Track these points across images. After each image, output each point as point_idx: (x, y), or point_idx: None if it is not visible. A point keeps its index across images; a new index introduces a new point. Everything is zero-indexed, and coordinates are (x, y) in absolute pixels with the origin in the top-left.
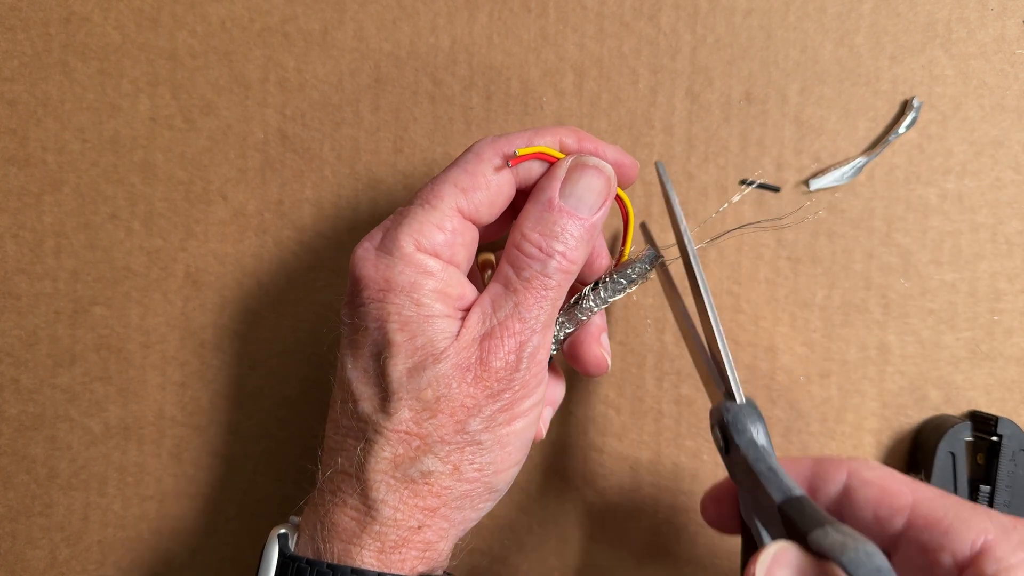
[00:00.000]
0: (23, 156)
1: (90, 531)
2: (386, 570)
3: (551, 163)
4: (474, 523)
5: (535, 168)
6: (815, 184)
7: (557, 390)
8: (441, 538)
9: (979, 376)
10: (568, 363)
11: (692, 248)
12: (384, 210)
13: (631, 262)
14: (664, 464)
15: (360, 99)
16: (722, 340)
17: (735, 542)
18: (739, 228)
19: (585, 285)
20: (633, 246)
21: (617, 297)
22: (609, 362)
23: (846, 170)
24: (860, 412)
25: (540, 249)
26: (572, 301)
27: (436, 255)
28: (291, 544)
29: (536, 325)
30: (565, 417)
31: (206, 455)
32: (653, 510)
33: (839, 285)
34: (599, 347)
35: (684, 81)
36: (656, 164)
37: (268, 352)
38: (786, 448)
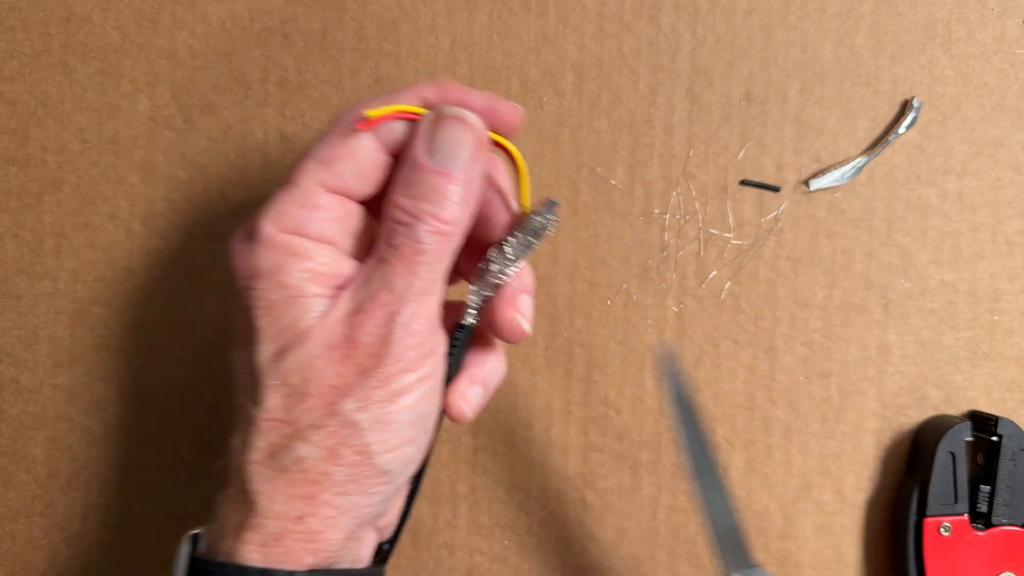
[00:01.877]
0: (23, 156)
1: (90, 531)
2: (271, 564)
3: (415, 121)
4: (375, 509)
5: (402, 130)
6: (815, 184)
7: (486, 366)
8: (328, 527)
9: (979, 376)
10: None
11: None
12: None
13: (531, 214)
14: (664, 464)
15: (360, 99)
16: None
17: None
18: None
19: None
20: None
21: (526, 253)
22: (526, 327)
23: (846, 170)
24: (860, 412)
25: (408, 213)
26: (483, 265)
27: (302, 234)
28: (203, 544)
29: (408, 294)
30: (564, 417)
31: (210, 456)
32: (653, 510)
33: (839, 285)
34: (511, 310)
35: (684, 81)
36: (662, 357)
37: None
38: (786, 448)
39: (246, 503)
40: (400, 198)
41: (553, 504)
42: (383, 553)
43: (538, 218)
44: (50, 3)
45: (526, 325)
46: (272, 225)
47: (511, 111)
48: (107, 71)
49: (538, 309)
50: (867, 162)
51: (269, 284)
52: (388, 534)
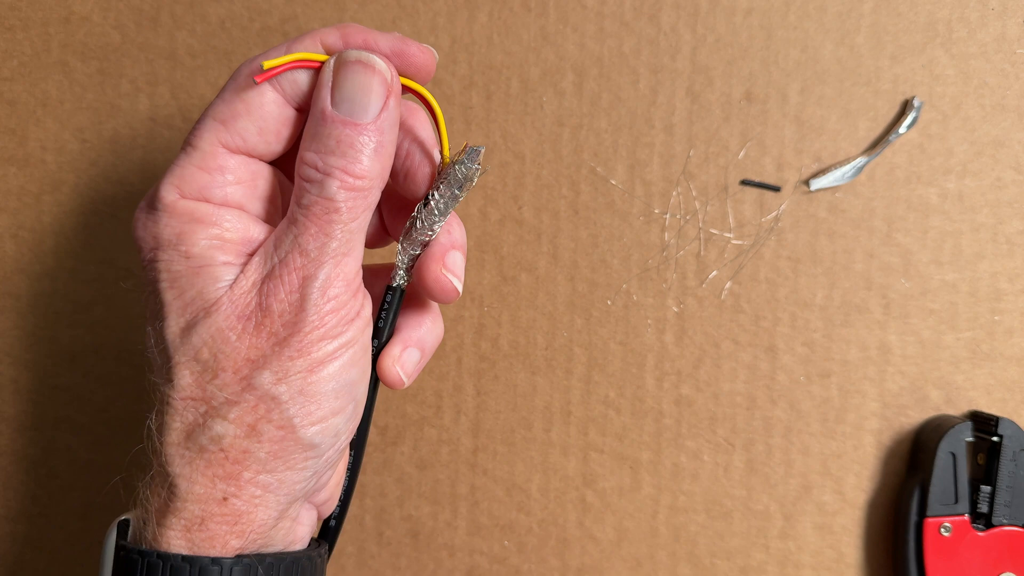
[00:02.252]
0: (22, 156)
1: (91, 532)
2: (195, 551)
3: (318, 70)
4: (306, 486)
5: (306, 81)
6: (815, 184)
7: (421, 329)
8: (255, 507)
9: (980, 376)
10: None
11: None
12: None
13: (453, 163)
14: (664, 464)
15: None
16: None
17: (735, 542)
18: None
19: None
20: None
21: (453, 205)
22: (455, 285)
23: (846, 170)
24: (861, 412)
25: (317, 169)
26: (409, 223)
27: (205, 199)
28: (130, 532)
29: (322, 256)
30: (565, 417)
31: None
32: (653, 510)
33: (839, 285)
34: (439, 267)
35: (684, 81)
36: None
37: None
38: (786, 448)
39: (166, 487)
40: (307, 153)
41: (553, 504)
42: (330, 531)
43: (461, 168)
44: (50, 3)
45: (456, 283)
46: (173, 192)
47: (422, 53)
48: (107, 71)
49: (538, 309)
50: (867, 162)
51: (173, 254)
52: (330, 509)
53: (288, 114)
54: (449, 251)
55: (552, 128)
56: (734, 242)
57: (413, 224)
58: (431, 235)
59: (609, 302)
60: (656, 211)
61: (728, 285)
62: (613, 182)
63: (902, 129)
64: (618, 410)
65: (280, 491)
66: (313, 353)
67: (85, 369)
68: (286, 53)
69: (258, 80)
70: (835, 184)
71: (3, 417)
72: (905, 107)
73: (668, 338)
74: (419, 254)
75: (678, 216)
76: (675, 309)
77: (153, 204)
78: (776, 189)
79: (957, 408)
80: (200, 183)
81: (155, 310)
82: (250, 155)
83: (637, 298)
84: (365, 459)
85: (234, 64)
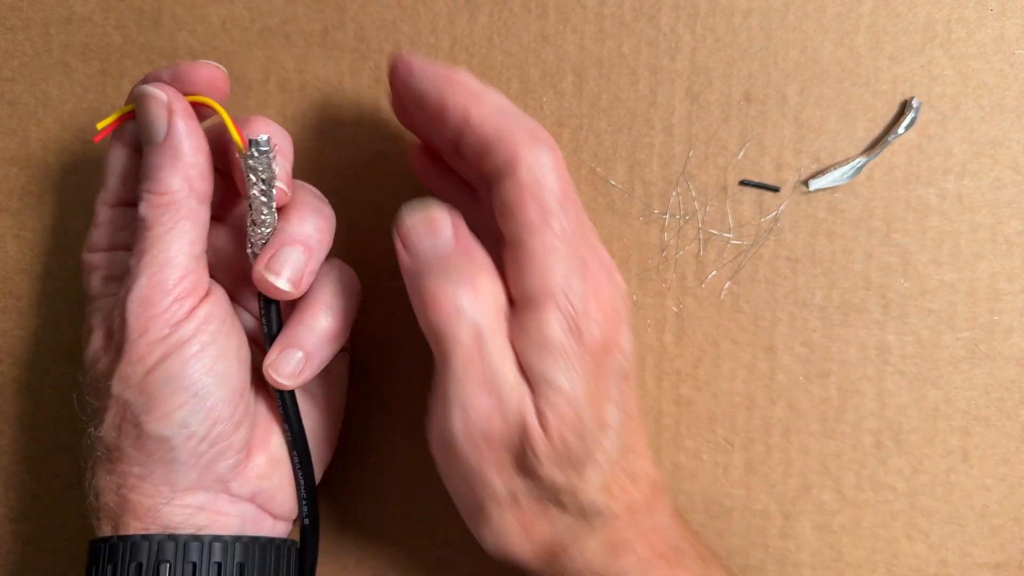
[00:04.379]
0: (24, 156)
1: (92, 531)
2: (107, 533)
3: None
4: (183, 476)
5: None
6: (814, 184)
7: (300, 329)
8: (139, 495)
9: (979, 376)
10: None
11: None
12: (388, 214)
13: (244, 159)
14: (664, 464)
15: (360, 100)
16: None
17: (734, 541)
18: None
19: None
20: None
21: (266, 201)
22: (274, 282)
23: (845, 170)
24: (859, 412)
25: (137, 197)
26: (247, 228)
27: (99, 249)
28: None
29: (137, 270)
30: None
31: None
32: None
33: (838, 285)
34: (260, 268)
35: (684, 81)
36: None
37: None
38: (785, 448)
39: (92, 490)
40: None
41: None
42: (306, 529)
43: (249, 161)
44: (51, 3)
45: (274, 280)
46: (84, 251)
47: (203, 68)
48: (108, 71)
49: None
50: (866, 162)
51: (89, 300)
52: (276, 506)
53: (138, 161)
54: (279, 249)
55: (552, 129)
56: (733, 242)
57: (248, 229)
58: (267, 232)
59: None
60: (656, 211)
61: (727, 285)
62: (613, 182)
63: (900, 130)
64: None
65: (154, 480)
66: (148, 358)
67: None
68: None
69: (95, 140)
70: (834, 184)
71: (5, 416)
72: (904, 108)
73: (667, 338)
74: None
75: (677, 216)
76: (674, 309)
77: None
78: (775, 189)
79: (956, 408)
80: (95, 238)
81: None
82: (123, 204)
83: (637, 298)
84: (367, 457)
85: (235, 66)
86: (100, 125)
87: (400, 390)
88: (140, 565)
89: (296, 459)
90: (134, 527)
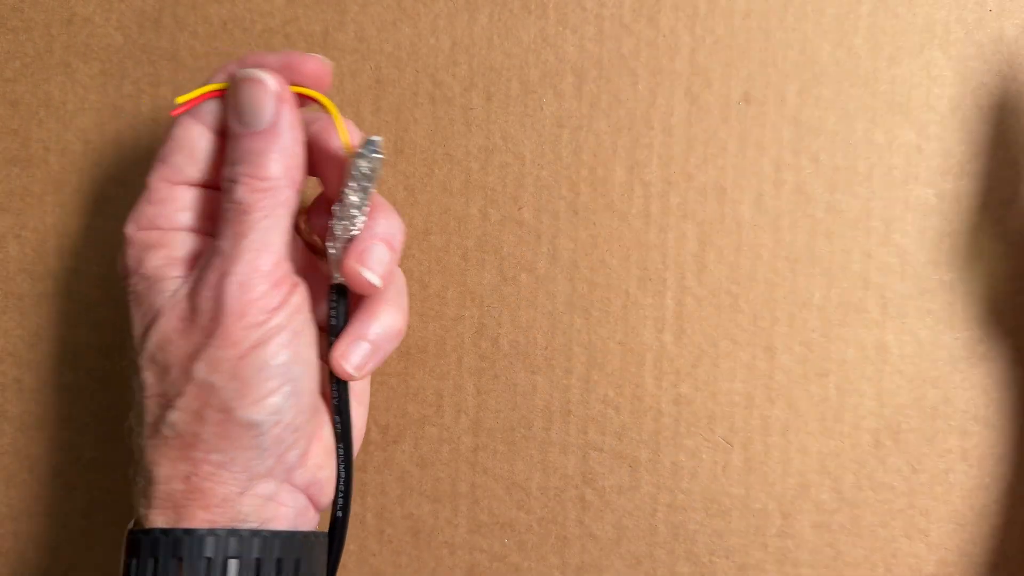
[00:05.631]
0: (25, 157)
1: (93, 531)
2: (171, 526)
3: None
4: (261, 463)
5: (220, 109)
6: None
7: (370, 323)
8: (215, 483)
9: (978, 376)
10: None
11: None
12: None
13: (353, 157)
14: (664, 463)
15: (361, 100)
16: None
17: (733, 540)
18: None
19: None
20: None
21: (365, 199)
22: (368, 278)
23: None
24: (858, 412)
25: (229, 180)
26: (330, 223)
27: (156, 228)
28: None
29: (236, 253)
30: (564, 416)
31: None
32: (652, 509)
33: (837, 285)
34: (354, 263)
35: (683, 82)
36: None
37: None
38: (784, 447)
39: (144, 475)
40: (223, 168)
41: (553, 502)
42: (338, 521)
43: (361, 160)
44: (52, 4)
45: (368, 275)
46: (133, 227)
47: (310, 62)
48: (109, 72)
49: (538, 309)
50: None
51: (136, 278)
52: (322, 496)
53: (214, 142)
54: (370, 245)
55: (552, 129)
56: (732, 242)
57: (333, 223)
58: (353, 231)
59: (609, 302)
60: (656, 211)
61: (726, 285)
62: (613, 182)
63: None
64: (617, 409)
65: (234, 468)
66: (241, 343)
67: (88, 368)
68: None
69: (173, 114)
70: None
71: (6, 416)
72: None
73: (667, 338)
74: (343, 251)
75: (677, 216)
76: (674, 309)
77: (123, 240)
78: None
79: (956, 407)
80: (150, 215)
81: (130, 326)
82: (188, 183)
83: (636, 298)
84: (365, 457)
85: None
86: (180, 99)
87: (400, 392)
88: (209, 560)
89: (341, 451)
90: (201, 518)
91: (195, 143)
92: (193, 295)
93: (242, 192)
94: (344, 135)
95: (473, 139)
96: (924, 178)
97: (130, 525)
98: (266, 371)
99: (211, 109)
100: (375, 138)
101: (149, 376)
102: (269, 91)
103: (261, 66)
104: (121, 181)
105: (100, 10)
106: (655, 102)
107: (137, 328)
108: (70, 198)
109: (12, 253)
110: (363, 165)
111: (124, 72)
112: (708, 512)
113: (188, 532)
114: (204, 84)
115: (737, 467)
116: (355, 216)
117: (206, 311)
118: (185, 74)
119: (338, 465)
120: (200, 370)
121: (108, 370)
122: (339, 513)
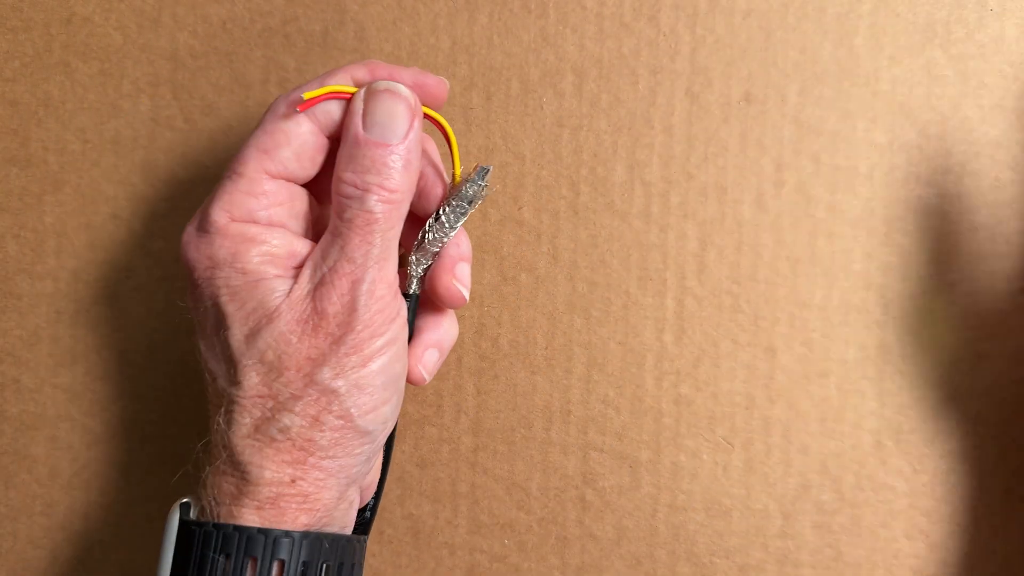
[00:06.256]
0: (24, 156)
1: (92, 531)
2: (268, 525)
3: (349, 100)
4: (360, 469)
5: (337, 112)
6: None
7: (439, 331)
8: (320, 488)
9: (978, 376)
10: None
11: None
12: None
13: (463, 182)
14: (664, 464)
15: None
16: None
17: (733, 540)
18: None
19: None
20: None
21: (461, 220)
22: (464, 294)
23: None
24: (859, 412)
25: (356, 187)
26: (420, 236)
27: (253, 221)
28: (192, 513)
29: (367, 262)
30: (564, 416)
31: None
32: (652, 509)
33: (838, 285)
34: (450, 278)
35: (684, 82)
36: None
37: None
38: (785, 448)
39: (238, 475)
40: (347, 173)
41: (553, 503)
42: (364, 521)
43: (471, 186)
44: (52, 4)
45: (464, 291)
46: (223, 215)
47: (438, 84)
48: (108, 72)
49: (538, 309)
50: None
51: (230, 272)
52: (370, 495)
53: (321, 142)
54: (458, 263)
55: (552, 129)
56: (733, 242)
57: (424, 237)
58: (440, 247)
59: (609, 302)
60: (656, 211)
61: (727, 285)
62: (613, 182)
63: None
64: (617, 409)
65: (340, 474)
66: (364, 350)
67: (86, 368)
68: (320, 87)
69: (300, 109)
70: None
71: (5, 416)
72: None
73: (667, 338)
74: (430, 265)
75: (678, 216)
76: (674, 309)
77: (204, 227)
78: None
79: (956, 407)
80: (248, 207)
81: (216, 322)
82: (288, 179)
83: (637, 298)
84: None
85: (235, 66)
86: (308, 95)
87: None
88: (306, 564)
89: (385, 452)
90: (301, 523)
91: (304, 140)
92: (319, 298)
93: (373, 202)
94: (457, 160)
95: (473, 139)
96: (925, 178)
97: (191, 515)
98: (382, 379)
99: (327, 110)
100: (487, 167)
101: (253, 377)
102: (409, 106)
103: (396, 79)
104: (120, 181)
105: (99, 10)
106: (655, 101)
107: (237, 326)
108: (69, 198)
109: (11, 253)
110: (470, 191)
111: (123, 71)
112: (709, 512)
113: (287, 534)
114: (324, 84)
115: (738, 467)
116: (446, 234)
117: (335, 316)
118: (185, 73)
119: (383, 469)
120: (324, 375)
121: (106, 370)
122: (367, 513)
